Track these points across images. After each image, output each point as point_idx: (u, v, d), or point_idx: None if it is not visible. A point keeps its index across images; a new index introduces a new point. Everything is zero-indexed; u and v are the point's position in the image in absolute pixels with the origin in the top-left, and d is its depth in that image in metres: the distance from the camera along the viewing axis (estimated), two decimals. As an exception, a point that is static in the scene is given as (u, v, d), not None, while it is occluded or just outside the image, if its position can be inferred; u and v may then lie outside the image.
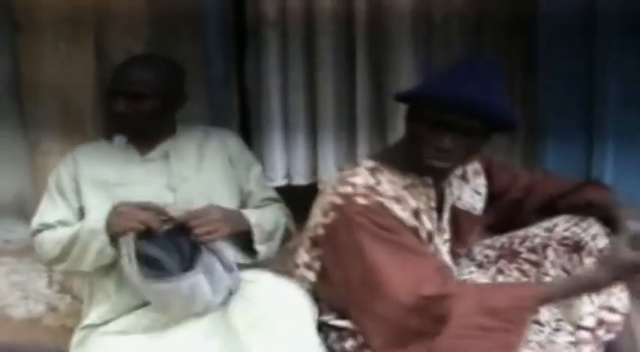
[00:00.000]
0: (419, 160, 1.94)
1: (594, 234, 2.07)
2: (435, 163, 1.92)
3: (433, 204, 2.06)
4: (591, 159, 2.69)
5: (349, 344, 2.02)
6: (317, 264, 2.05)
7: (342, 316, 2.03)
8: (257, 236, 2.22)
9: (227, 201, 2.28)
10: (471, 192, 2.19)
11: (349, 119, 3.15)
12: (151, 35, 2.87)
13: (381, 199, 1.93)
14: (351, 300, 1.96)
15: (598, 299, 2.01)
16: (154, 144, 2.33)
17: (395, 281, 1.85)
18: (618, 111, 2.66)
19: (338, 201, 1.95)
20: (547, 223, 2.15)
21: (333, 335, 2.05)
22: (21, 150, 2.97)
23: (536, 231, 2.16)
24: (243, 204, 2.36)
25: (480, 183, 2.22)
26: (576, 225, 2.10)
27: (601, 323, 1.96)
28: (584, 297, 2.01)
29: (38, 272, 2.98)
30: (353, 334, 2.01)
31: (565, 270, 2.08)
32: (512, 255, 2.17)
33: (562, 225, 2.11)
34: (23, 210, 3.04)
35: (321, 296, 2.07)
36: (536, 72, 2.77)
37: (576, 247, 2.06)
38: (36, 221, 2.30)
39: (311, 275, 2.07)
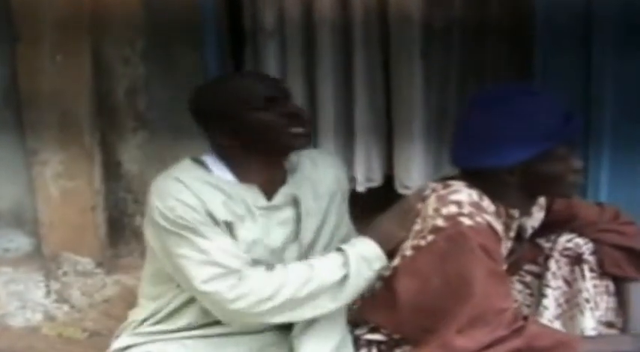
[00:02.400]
0: (563, 193, 1.95)
1: (595, 248, 2.06)
2: (578, 183, 1.93)
3: (512, 234, 2.00)
4: (587, 167, 2.67)
5: None
6: (378, 283, 1.96)
7: (372, 330, 1.99)
8: None
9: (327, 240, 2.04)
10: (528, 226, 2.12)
11: (348, 128, 3.17)
12: (148, 45, 2.89)
13: (487, 217, 1.84)
14: (421, 325, 1.88)
15: (598, 312, 2.03)
16: (276, 185, 1.95)
17: (486, 317, 1.80)
18: (614, 120, 2.65)
19: (440, 223, 1.83)
20: (552, 234, 2.12)
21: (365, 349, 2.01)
22: (19, 159, 2.97)
23: (540, 241, 2.14)
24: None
25: (539, 217, 2.11)
26: (580, 235, 2.08)
27: None
28: (585, 311, 2.02)
29: (36, 281, 2.99)
30: (368, 344, 1.99)
31: (566, 282, 2.08)
32: (514, 267, 2.14)
33: (565, 235, 2.10)
34: (21, 220, 3.06)
35: (368, 313, 1.99)
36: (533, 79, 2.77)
37: (578, 259, 2.06)
38: (225, 264, 1.81)
39: (367, 292, 1.98)
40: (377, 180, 3.29)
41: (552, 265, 2.09)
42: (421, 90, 3.11)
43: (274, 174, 1.95)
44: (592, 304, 2.03)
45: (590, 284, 2.04)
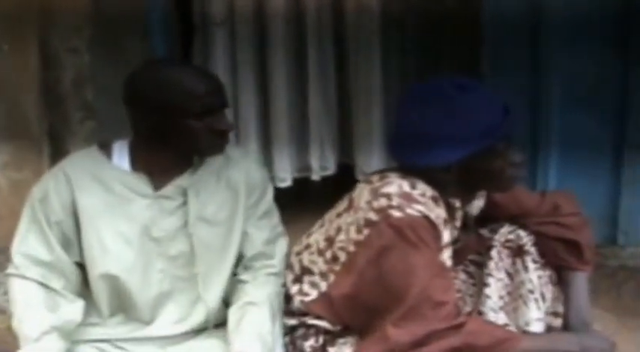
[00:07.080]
0: (502, 187, 1.94)
1: (536, 240, 2.06)
2: (519, 178, 1.94)
3: (458, 223, 2.00)
4: (536, 163, 2.70)
5: (309, 343, 1.98)
6: (332, 277, 1.95)
7: (319, 319, 1.98)
8: None
9: (238, 244, 2.03)
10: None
11: (302, 118, 3.16)
12: (96, 34, 2.84)
13: (419, 207, 1.82)
14: (358, 317, 1.91)
15: (544, 304, 2.03)
16: (170, 177, 1.95)
17: (424, 304, 1.80)
18: (562, 111, 2.67)
19: (373, 217, 1.84)
20: (494, 224, 2.12)
21: (300, 331, 2.00)
22: (-35, 150, 2.94)
23: (482, 232, 2.13)
24: (242, 246, 2.03)
25: (478, 205, 2.10)
26: (521, 227, 2.08)
27: (549, 329, 2.00)
28: (530, 303, 2.02)
29: (-15, 275, 2.96)
30: (317, 333, 1.98)
31: (508, 274, 2.07)
32: (460, 256, 2.13)
33: (507, 227, 2.09)
34: (-32, 213, 3.02)
35: (311, 305, 1.98)
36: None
37: (519, 251, 2.05)
38: (18, 249, 1.93)
39: (323, 285, 1.97)
40: (331, 169, 3.31)
41: (494, 254, 2.08)
42: (379, 78, 3.13)
43: (172, 167, 1.95)
44: (537, 295, 2.03)
45: (535, 276, 2.04)
